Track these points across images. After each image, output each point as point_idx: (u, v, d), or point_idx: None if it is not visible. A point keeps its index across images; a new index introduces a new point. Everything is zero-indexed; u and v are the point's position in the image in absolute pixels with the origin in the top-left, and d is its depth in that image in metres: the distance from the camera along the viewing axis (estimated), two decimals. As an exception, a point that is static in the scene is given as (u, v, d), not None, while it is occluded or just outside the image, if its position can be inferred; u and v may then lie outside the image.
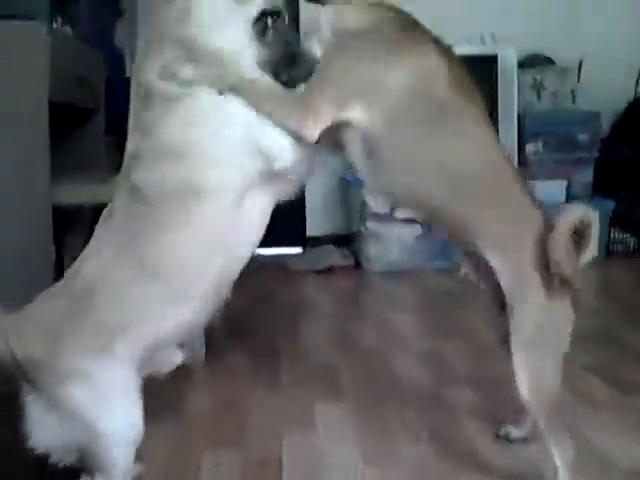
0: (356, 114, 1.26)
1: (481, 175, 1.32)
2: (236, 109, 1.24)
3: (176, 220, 1.23)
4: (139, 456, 1.46)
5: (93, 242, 1.29)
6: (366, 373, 2.10)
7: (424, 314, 2.81)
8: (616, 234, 3.81)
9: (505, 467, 1.51)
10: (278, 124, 1.25)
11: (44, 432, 1.24)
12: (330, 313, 2.85)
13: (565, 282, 1.30)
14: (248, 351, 2.28)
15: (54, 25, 2.39)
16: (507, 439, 1.61)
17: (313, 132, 1.25)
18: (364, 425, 1.73)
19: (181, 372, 2.11)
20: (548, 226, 1.30)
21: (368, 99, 1.26)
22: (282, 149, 1.26)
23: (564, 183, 3.72)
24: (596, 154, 3.75)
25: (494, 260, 1.32)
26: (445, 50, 1.32)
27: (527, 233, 1.32)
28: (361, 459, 1.56)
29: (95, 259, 1.27)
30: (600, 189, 3.80)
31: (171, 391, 1.98)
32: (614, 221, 3.77)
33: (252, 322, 2.61)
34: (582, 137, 3.72)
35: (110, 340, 1.23)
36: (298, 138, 1.25)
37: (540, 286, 1.31)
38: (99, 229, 1.30)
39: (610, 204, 3.71)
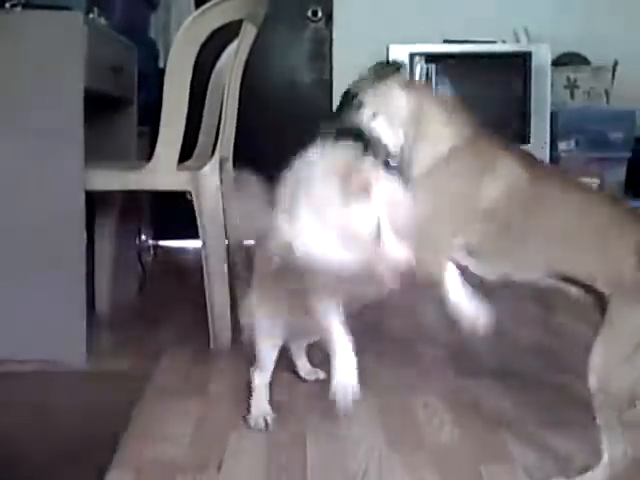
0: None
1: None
2: None
3: None
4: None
5: None
6: (392, 362, 2.11)
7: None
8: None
9: (529, 456, 1.50)
10: None
11: None
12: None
13: None
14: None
15: (90, 15, 2.44)
16: None
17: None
18: (388, 410, 1.75)
19: (207, 356, 2.17)
20: None
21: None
22: None
23: (596, 182, 3.69)
24: (629, 153, 3.70)
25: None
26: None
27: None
28: (385, 444, 1.57)
29: None
30: (632, 189, 3.76)
31: (199, 373, 2.02)
32: (646, 221, 3.75)
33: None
34: (615, 136, 3.68)
35: None
36: None
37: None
38: None
39: (642, 204, 3.69)
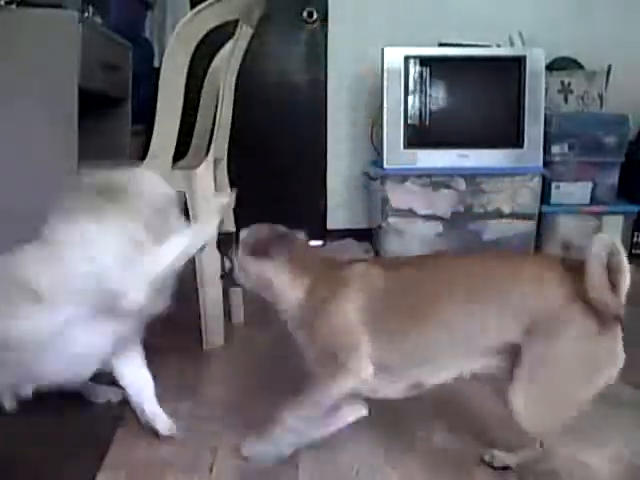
0: None
1: None
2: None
3: None
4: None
5: None
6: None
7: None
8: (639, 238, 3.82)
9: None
10: None
11: None
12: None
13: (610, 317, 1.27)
14: (266, 341, 2.30)
15: (85, 14, 2.43)
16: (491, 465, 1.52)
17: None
18: (378, 414, 1.74)
19: (199, 357, 2.17)
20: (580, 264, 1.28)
21: None
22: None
23: (589, 185, 3.70)
24: (622, 158, 3.72)
25: None
26: None
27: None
28: (376, 447, 1.57)
29: None
30: (625, 193, 3.77)
31: (191, 374, 2.02)
32: (638, 225, 3.76)
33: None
34: (609, 140, 3.69)
35: None
36: None
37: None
38: None
39: (634, 208, 3.70)
